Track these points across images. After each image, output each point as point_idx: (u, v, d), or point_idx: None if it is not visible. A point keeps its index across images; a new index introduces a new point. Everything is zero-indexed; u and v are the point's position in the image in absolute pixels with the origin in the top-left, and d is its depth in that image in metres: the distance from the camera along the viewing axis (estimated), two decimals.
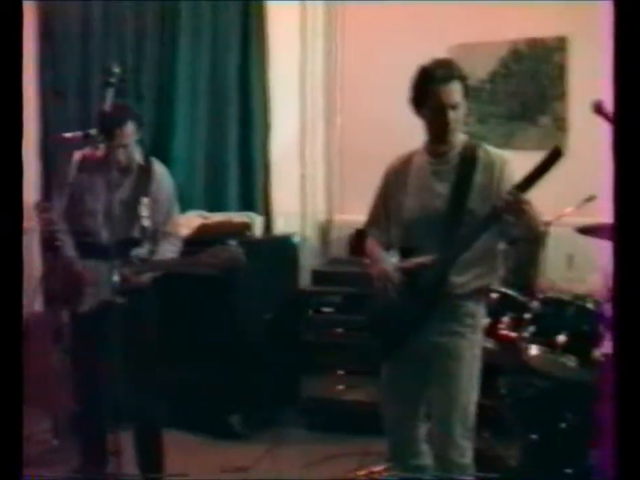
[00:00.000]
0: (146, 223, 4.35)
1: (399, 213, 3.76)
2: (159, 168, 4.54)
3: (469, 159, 3.66)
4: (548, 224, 4.78)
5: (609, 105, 3.36)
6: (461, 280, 3.61)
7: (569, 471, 4.36)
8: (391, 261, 3.77)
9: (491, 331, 4.36)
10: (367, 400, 5.70)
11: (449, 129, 3.61)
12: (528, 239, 3.59)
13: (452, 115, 3.58)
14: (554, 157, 3.35)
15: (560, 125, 6.09)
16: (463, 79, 3.62)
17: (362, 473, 4.87)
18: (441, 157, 3.69)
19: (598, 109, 3.40)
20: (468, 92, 3.64)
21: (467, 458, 3.62)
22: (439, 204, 3.64)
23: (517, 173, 3.55)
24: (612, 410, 1.96)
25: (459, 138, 3.70)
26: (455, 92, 3.57)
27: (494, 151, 3.72)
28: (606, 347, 4.15)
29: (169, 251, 4.46)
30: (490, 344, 4.44)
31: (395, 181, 3.81)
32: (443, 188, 3.66)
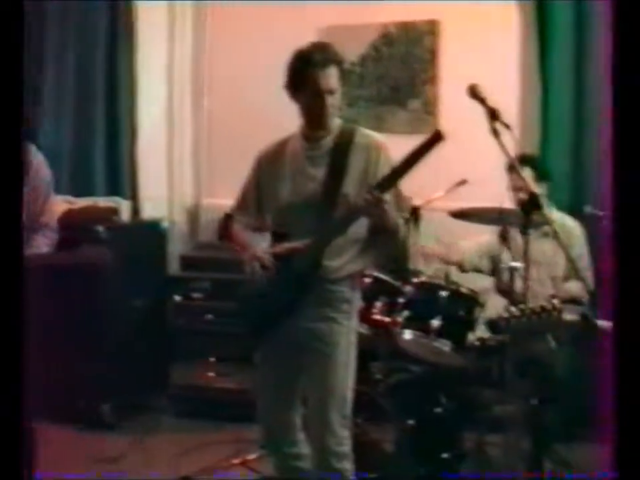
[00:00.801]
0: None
1: (272, 198, 3.68)
2: (36, 156, 4.31)
3: (344, 143, 3.60)
4: (418, 208, 4.78)
5: (484, 89, 3.34)
6: (335, 264, 3.56)
7: (445, 455, 4.36)
8: (261, 245, 3.68)
9: (363, 316, 4.30)
10: (239, 387, 5.64)
11: (325, 114, 3.55)
12: (388, 232, 3.54)
13: (329, 100, 3.51)
14: (434, 140, 3.30)
15: (430, 108, 6.11)
16: (340, 63, 3.55)
17: (236, 461, 4.78)
18: (317, 142, 3.63)
19: (473, 92, 3.36)
20: (344, 76, 3.58)
21: (346, 446, 3.56)
22: (313, 188, 3.57)
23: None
24: (610, 406, 1.92)
25: (335, 122, 3.64)
26: (332, 77, 3.50)
27: (371, 134, 3.67)
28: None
29: (43, 244, 4.25)
30: (363, 329, 4.39)
31: (269, 165, 3.72)
32: (317, 172, 3.59)
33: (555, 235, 3.46)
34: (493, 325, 2.20)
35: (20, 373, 2.24)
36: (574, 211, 5.16)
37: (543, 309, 2.33)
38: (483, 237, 5.19)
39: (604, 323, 2.41)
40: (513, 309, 2.34)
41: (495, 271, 5.19)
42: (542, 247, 4.81)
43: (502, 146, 3.22)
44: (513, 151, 3.45)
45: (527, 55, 5.77)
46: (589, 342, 2.38)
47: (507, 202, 4.77)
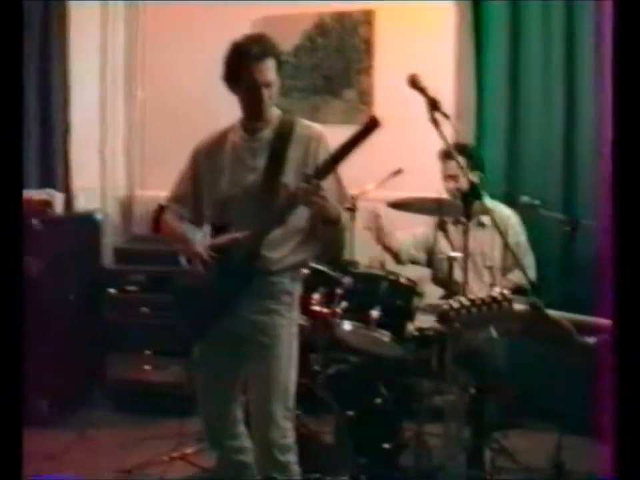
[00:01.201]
0: None
1: (211, 190, 3.64)
2: None
3: (284, 134, 3.58)
4: (354, 199, 4.77)
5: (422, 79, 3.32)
6: (276, 256, 3.53)
7: (385, 446, 4.35)
8: (199, 237, 3.64)
9: (302, 307, 4.25)
10: (175, 380, 5.59)
11: (263, 106, 3.53)
12: (329, 222, 3.51)
13: (266, 92, 3.49)
14: (370, 126, 3.26)
15: (365, 98, 6.10)
16: (277, 55, 3.53)
17: (175, 455, 4.72)
18: (256, 133, 3.60)
19: (413, 82, 3.33)
20: (281, 67, 3.55)
21: (289, 438, 3.54)
22: (253, 180, 3.55)
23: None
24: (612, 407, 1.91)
25: (274, 113, 3.62)
26: (269, 69, 3.48)
27: (310, 125, 3.65)
28: None
29: None
30: (302, 320, 4.35)
31: (208, 157, 3.68)
32: (257, 163, 3.57)
33: (495, 224, 3.47)
34: (443, 315, 2.18)
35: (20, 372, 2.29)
36: (508, 200, 5.18)
37: (493, 299, 2.30)
38: (419, 228, 5.19)
39: (592, 339, 2.42)
40: (463, 299, 2.30)
41: (431, 261, 5.19)
42: (478, 237, 4.83)
43: (442, 136, 3.20)
44: (450, 140, 3.44)
45: (462, 45, 5.79)
46: (540, 332, 2.37)
47: (444, 193, 4.77)
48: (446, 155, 4.82)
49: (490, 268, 4.96)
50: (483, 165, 5.05)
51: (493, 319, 2.37)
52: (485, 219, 4.87)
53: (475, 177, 4.80)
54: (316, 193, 3.32)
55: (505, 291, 2.33)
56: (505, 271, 4.95)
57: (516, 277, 4.85)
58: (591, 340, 2.40)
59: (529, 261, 4.89)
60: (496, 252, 4.96)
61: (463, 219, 4.59)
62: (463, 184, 4.71)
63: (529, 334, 2.43)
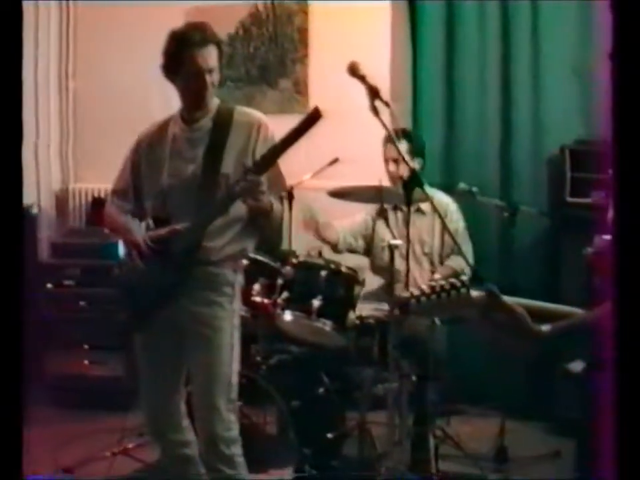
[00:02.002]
0: None
1: (152, 183, 3.58)
2: None
3: (223, 122, 3.53)
4: (291, 189, 4.73)
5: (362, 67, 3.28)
6: (217, 245, 3.48)
7: (329, 435, 4.32)
8: (140, 229, 3.57)
9: (243, 298, 4.20)
10: (113, 374, 5.51)
11: (205, 94, 3.47)
12: (262, 213, 3.47)
13: (209, 78, 3.43)
14: (313, 118, 3.21)
15: (300, 88, 6.05)
16: (218, 42, 3.47)
17: (118, 450, 4.63)
18: (196, 123, 3.55)
19: (353, 70, 3.28)
20: (222, 56, 3.49)
21: (234, 430, 3.49)
22: (192, 171, 3.49)
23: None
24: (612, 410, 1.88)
25: (214, 102, 3.56)
26: (211, 56, 3.42)
27: (250, 112, 3.61)
28: None
29: None
30: (243, 311, 4.30)
31: (148, 149, 3.62)
32: (197, 154, 3.51)
33: (436, 211, 3.45)
34: (403, 304, 2.15)
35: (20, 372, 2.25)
36: (445, 187, 5.18)
37: (452, 285, 2.28)
38: (357, 216, 5.16)
39: (546, 326, 2.41)
40: (423, 286, 2.28)
41: (369, 250, 5.17)
42: (417, 224, 4.83)
43: (382, 124, 3.17)
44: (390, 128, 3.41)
45: (398, 34, 5.78)
46: (495, 318, 2.35)
47: (385, 180, 4.74)
48: (389, 140, 4.80)
49: (429, 255, 4.96)
50: (424, 151, 5.03)
51: (450, 306, 2.34)
52: (424, 206, 4.86)
53: (416, 164, 4.78)
54: (254, 189, 3.28)
55: (464, 277, 2.31)
56: (443, 257, 4.96)
57: (454, 263, 4.86)
58: (544, 327, 2.39)
59: (467, 248, 4.89)
60: (434, 239, 4.97)
61: (402, 207, 4.60)
62: (404, 170, 4.69)
63: (484, 320, 2.40)
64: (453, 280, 2.30)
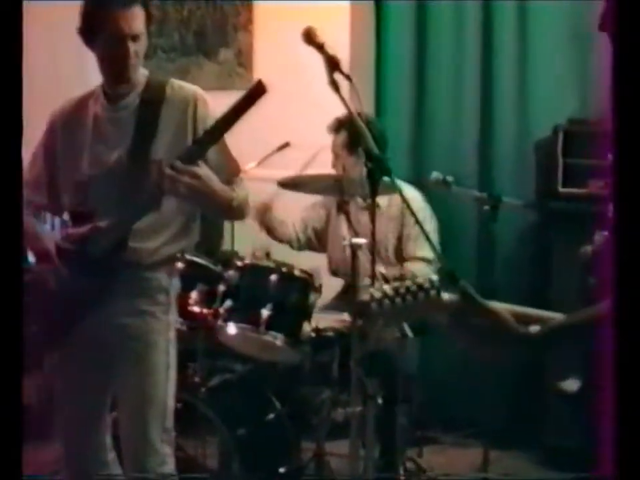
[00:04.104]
0: None
1: (70, 171, 3.55)
2: None
3: (153, 98, 3.50)
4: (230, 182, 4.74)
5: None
6: (150, 246, 3.47)
7: (281, 470, 4.35)
8: (49, 232, 3.56)
9: (179, 308, 4.21)
10: (25, 401, 5.45)
11: (129, 64, 3.41)
12: (223, 211, 3.48)
13: (133, 46, 3.38)
14: (256, 92, 3.20)
15: (243, 60, 6.04)
16: (145, 3, 3.43)
17: None
18: (120, 100, 3.52)
19: (309, 37, 3.28)
20: (151, 20, 3.47)
21: (168, 465, 3.48)
22: (117, 157, 3.47)
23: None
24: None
25: (141, 75, 3.53)
26: (136, 19, 3.37)
27: (185, 86, 3.57)
28: None
29: None
30: (178, 323, 4.30)
31: (64, 132, 3.59)
32: (122, 137, 3.48)
33: (408, 207, 3.46)
34: (362, 308, 2.17)
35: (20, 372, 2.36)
36: (413, 178, 5.22)
37: (419, 287, 2.29)
38: (308, 211, 5.20)
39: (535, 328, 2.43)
40: (386, 287, 2.29)
41: (324, 247, 5.21)
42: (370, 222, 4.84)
43: (343, 100, 3.17)
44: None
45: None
46: (471, 323, 2.36)
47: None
48: (339, 126, 4.83)
49: (384, 257, 4.98)
50: (386, 141, 5.04)
51: (418, 310, 2.36)
52: (381, 201, 4.87)
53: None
54: (186, 180, 3.20)
55: (434, 277, 2.32)
56: (401, 260, 4.98)
57: (415, 267, 4.87)
58: (532, 328, 2.40)
59: (432, 253, 4.91)
60: (390, 237, 4.99)
61: (362, 200, 4.63)
62: (350, 162, 4.73)
63: (458, 327, 2.42)
64: (420, 280, 2.31)
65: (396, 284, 2.31)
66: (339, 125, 4.81)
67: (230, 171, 3.54)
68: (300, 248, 5.20)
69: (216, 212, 3.51)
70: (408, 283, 2.31)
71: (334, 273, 5.15)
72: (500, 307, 2.45)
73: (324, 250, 5.23)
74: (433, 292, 2.30)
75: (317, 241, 5.23)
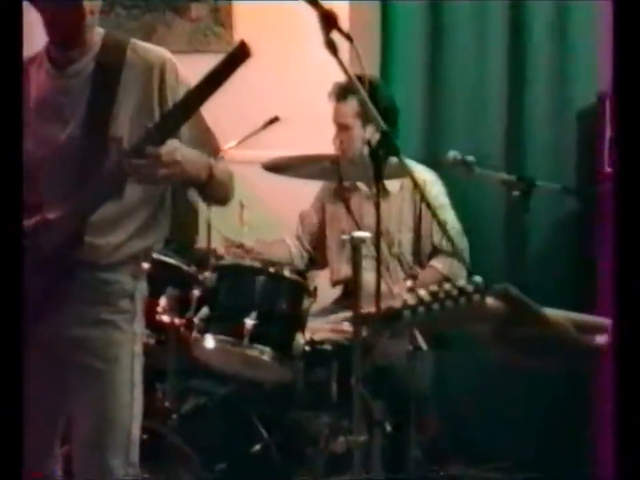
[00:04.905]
0: None
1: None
2: None
3: (111, 64, 3.51)
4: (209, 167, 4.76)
5: None
6: (110, 242, 3.48)
7: None
8: None
9: (145, 316, 4.24)
10: None
11: (80, 24, 3.44)
12: (212, 197, 3.52)
13: (87, 1, 3.40)
14: (237, 58, 3.22)
15: (221, 17, 6.05)
16: None
17: None
18: (70, 65, 3.52)
19: None
20: None
21: None
22: (70, 135, 3.48)
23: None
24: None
25: (97, 35, 3.54)
26: None
27: (151, 49, 3.59)
28: None
29: None
30: (145, 335, 4.33)
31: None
32: (74, 110, 3.49)
33: (420, 191, 3.49)
34: (394, 317, 2.15)
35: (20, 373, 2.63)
36: (428, 159, 5.25)
37: (461, 290, 2.30)
38: (299, 225, 5.23)
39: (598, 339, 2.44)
40: (422, 292, 2.29)
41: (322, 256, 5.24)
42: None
43: (341, 64, 3.20)
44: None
45: None
46: (519, 333, 2.38)
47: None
48: (341, 93, 4.85)
49: (398, 256, 4.98)
50: (397, 112, 5.07)
51: (458, 319, 2.36)
52: (391, 186, 4.88)
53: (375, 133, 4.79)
54: (151, 167, 3.22)
55: (479, 279, 2.32)
56: (422, 257, 4.99)
57: (442, 264, 4.90)
58: (600, 338, 2.42)
59: (459, 240, 4.94)
60: (405, 233, 4.99)
61: (367, 188, 4.64)
62: (361, 136, 4.75)
63: (503, 338, 2.44)
64: (462, 283, 2.31)
65: (434, 287, 2.31)
66: (346, 90, 4.78)
67: (208, 151, 3.56)
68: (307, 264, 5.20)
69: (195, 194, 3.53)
70: (447, 286, 2.30)
71: (336, 282, 5.17)
72: (556, 314, 2.49)
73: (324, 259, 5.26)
74: (476, 296, 2.29)
75: (314, 249, 5.25)
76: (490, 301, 2.34)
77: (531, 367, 2.52)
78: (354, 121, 4.89)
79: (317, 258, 5.30)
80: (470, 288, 2.30)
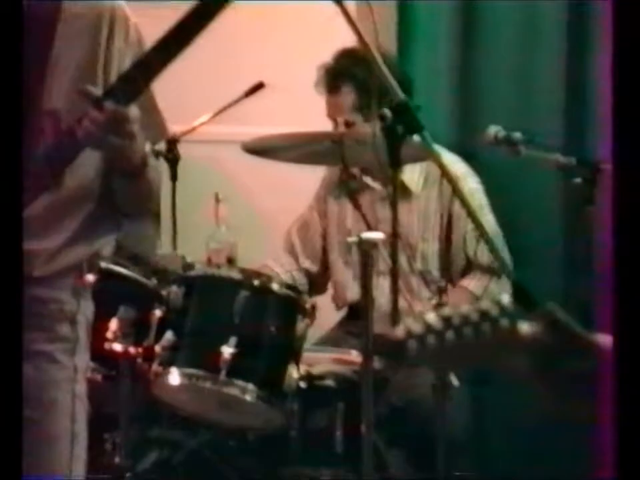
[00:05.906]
0: None
1: None
2: None
3: (43, 16, 3.46)
4: (176, 141, 4.77)
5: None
6: (44, 247, 3.44)
7: None
8: None
9: (92, 344, 4.22)
10: None
11: None
12: (122, 173, 3.47)
13: None
14: (211, 8, 3.20)
15: None
16: None
17: None
18: None
19: None
20: None
21: None
22: None
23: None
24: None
25: None
26: None
27: None
28: None
29: None
30: (90, 370, 4.31)
31: None
32: None
33: (451, 182, 3.44)
34: (393, 348, 2.10)
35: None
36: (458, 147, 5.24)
37: (483, 314, 2.25)
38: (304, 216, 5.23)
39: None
40: (431, 317, 2.24)
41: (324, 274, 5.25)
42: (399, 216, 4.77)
43: (351, 23, 3.18)
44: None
45: None
46: (567, 368, 2.35)
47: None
48: (332, 82, 4.82)
49: (422, 273, 4.95)
50: (410, 85, 5.02)
51: (482, 350, 2.32)
52: (413, 182, 4.86)
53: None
54: (117, 125, 3.15)
55: (506, 299, 2.27)
56: (452, 273, 4.97)
57: (474, 284, 4.88)
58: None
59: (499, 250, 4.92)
60: (430, 240, 4.97)
61: (381, 185, 4.61)
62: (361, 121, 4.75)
63: (545, 372, 2.40)
64: (484, 305, 2.26)
65: (446, 311, 2.25)
66: (338, 77, 4.76)
67: (152, 136, 3.52)
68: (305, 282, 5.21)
69: (125, 174, 3.47)
70: (465, 309, 2.25)
71: (342, 303, 5.17)
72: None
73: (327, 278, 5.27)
74: (504, 321, 2.24)
75: (317, 267, 5.26)
76: (525, 327, 2.29)
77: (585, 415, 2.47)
78: (353, 116, 4.83)
79: (318, 280, 5.32)
80: (495, 311, 2.24)
